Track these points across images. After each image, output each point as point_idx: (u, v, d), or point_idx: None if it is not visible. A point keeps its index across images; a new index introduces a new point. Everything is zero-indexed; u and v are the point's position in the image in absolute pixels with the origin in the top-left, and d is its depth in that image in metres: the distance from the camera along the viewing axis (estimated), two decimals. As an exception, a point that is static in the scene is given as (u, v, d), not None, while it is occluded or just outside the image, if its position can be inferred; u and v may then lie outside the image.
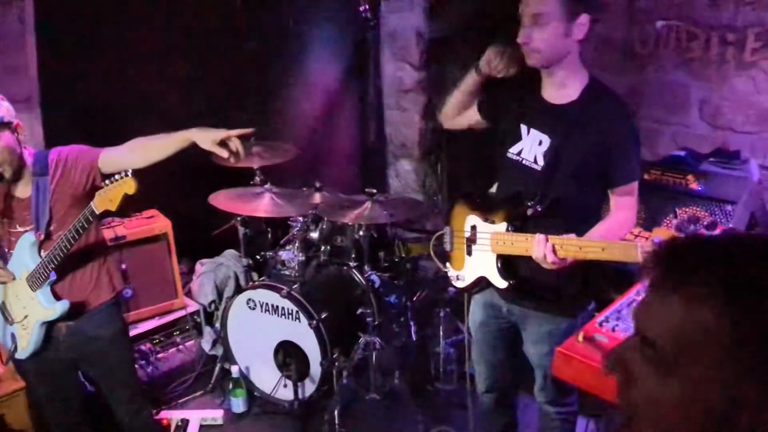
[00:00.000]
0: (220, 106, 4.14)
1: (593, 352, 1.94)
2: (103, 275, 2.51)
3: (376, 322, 3.31)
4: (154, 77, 3.86)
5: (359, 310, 3.31)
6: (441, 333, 3.56)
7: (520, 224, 2.18)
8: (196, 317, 3.87)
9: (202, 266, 4.02)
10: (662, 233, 1.71)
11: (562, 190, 2.15)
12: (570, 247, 1.97)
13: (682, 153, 3.37)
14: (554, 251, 1.99)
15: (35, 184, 2.32)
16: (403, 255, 3.69)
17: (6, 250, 2.43)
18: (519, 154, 2.24)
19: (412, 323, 3.60)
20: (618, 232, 2.14)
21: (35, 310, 2.37)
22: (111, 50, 3.62)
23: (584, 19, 2.04)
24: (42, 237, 2.33)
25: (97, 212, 2.17)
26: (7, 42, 3.17)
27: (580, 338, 2.01)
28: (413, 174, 5.02)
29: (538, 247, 2.01)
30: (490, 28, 2.72)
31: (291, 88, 4.59)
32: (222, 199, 3.46)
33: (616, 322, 2.06)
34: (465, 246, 2.36)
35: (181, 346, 3.81)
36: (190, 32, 3.94)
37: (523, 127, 2.22)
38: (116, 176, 2.12)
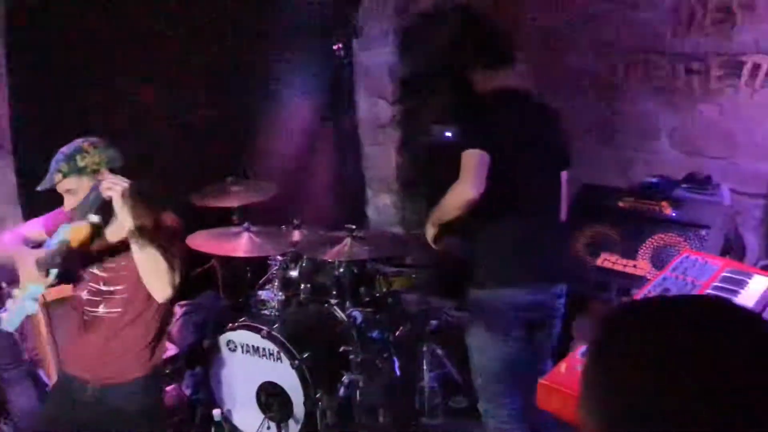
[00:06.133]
0: (196, 147, 4.15)
1: (577, 383, 1.93)
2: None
3: (359, 359, 3.28)
4: (129, 119, 3.86)
5: (342, 348, 3.29)
6: (425, 367, 3.53)
7: None
8: (176, 361, 3.81)
9: (181, 308, 3.97)
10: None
11: None
12: None
13: (655, 180, 3.43)
14: None
15: None
16: (384, 289, 3.68)
17: None
18: None
19: (395, 358, 3.57)
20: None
21: None
22: (84, 95, 3.61)
23: None
24: None
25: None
26: (-22, 91, 3.15)
27: (563, 369, 2.00)
28: (392, 208, 5.03)
29: None
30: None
31: (267, 127, 4.61)
32: (200, 240, 3.42)
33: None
34: None
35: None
36: (166, 73, 3.95)
37: None
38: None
